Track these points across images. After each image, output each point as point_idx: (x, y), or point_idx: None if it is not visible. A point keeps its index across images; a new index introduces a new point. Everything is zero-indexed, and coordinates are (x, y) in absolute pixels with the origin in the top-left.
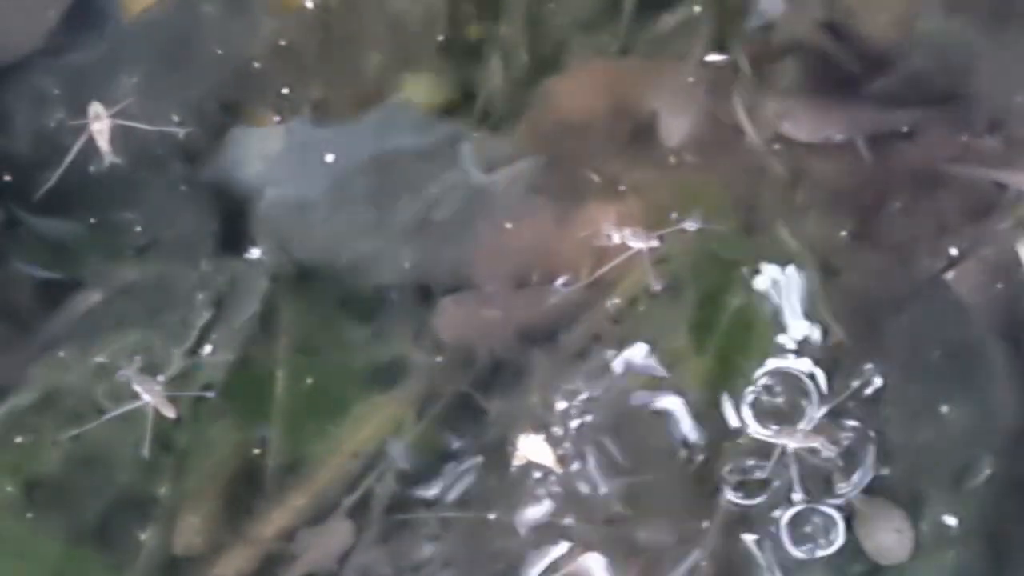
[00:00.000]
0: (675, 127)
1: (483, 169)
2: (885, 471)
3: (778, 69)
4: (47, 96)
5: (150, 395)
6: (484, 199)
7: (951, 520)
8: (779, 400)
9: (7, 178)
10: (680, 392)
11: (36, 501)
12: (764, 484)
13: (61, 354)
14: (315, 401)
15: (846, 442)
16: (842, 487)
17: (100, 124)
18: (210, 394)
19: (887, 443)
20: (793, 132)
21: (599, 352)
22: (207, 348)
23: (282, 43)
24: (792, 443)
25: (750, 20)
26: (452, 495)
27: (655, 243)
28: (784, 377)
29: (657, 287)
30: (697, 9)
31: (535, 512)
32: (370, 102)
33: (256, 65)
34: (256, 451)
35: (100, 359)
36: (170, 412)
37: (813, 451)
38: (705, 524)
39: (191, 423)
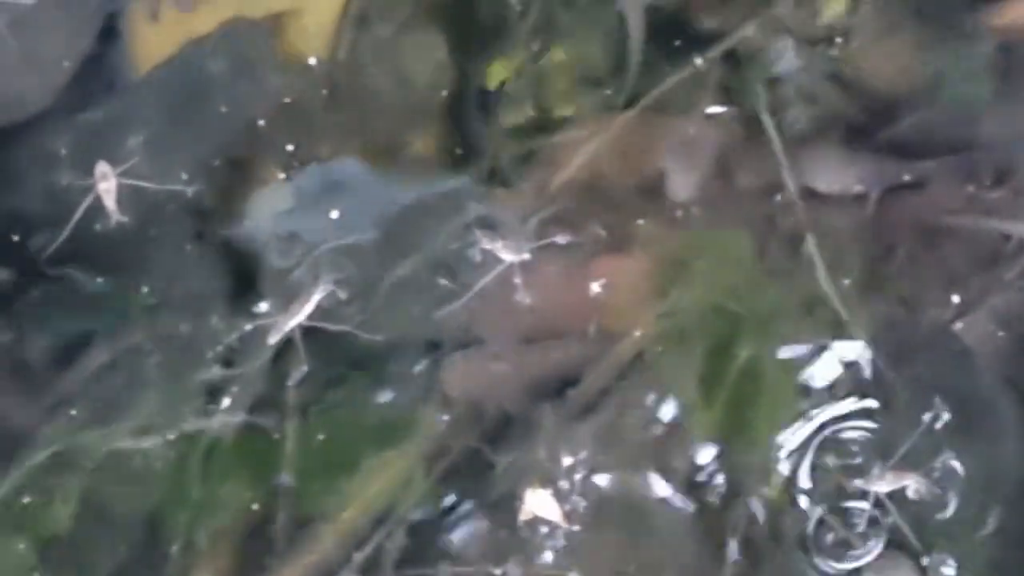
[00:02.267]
0: (682, 181)
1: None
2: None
3: (787, 121)
4: (57, 155)
5: None
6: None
7: (960, 570)
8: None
9: (16, 237)
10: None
11: (48, 559)
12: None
13: (73, 412)
14: (325, 457)
15: (936, 473)
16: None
17: (107, 184)
18: None
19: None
20: (815, 183)
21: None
22: (225, 401)
23: (287, 100)
24: (885, 486)
25: (758, 72)
26: (461, 549)
27: (526, 256)
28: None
29: (527, 300)
30: (700, 63)
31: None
32: (377, 157)
33: (261, 123)
34: (264, 508)
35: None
36: None
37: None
38: None
39: (202, 480)
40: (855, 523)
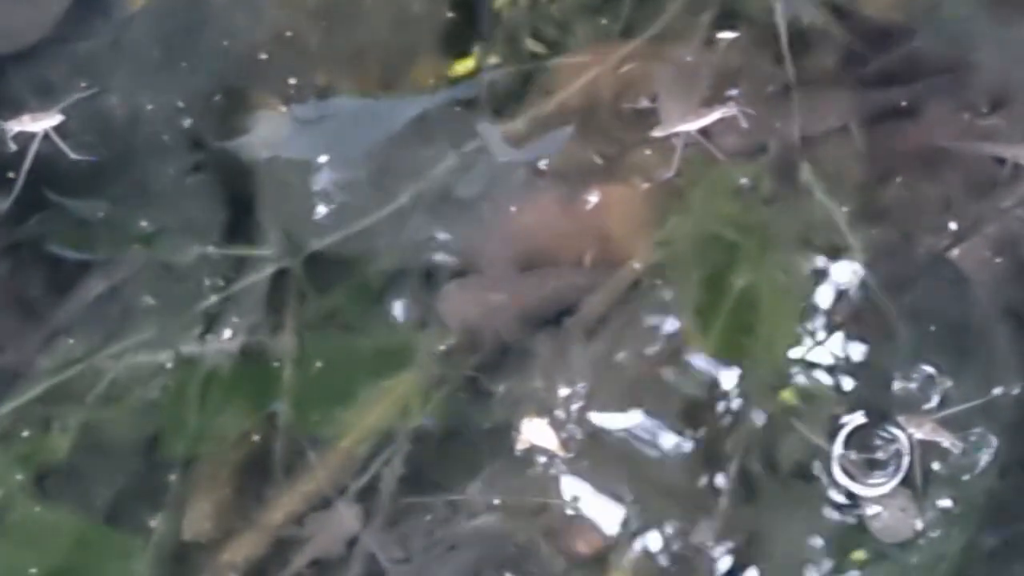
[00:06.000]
0: (677, 109)
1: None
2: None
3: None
4: (54, 85)
5: None
6: (499, 180)
7: (955, 498)
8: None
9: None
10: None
11: (46, 489)
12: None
13: (71, 341)
14: (323, 386)
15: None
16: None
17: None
18: None
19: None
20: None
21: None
22: (225, 333)
23: (288, 35)
24: (920, 433)
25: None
26: (460, 478)
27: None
28: None
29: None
30: None
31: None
32: (375, 87)
33: (263, 56)
34: (262, 438)
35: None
36: None
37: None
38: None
39: (200, 409)
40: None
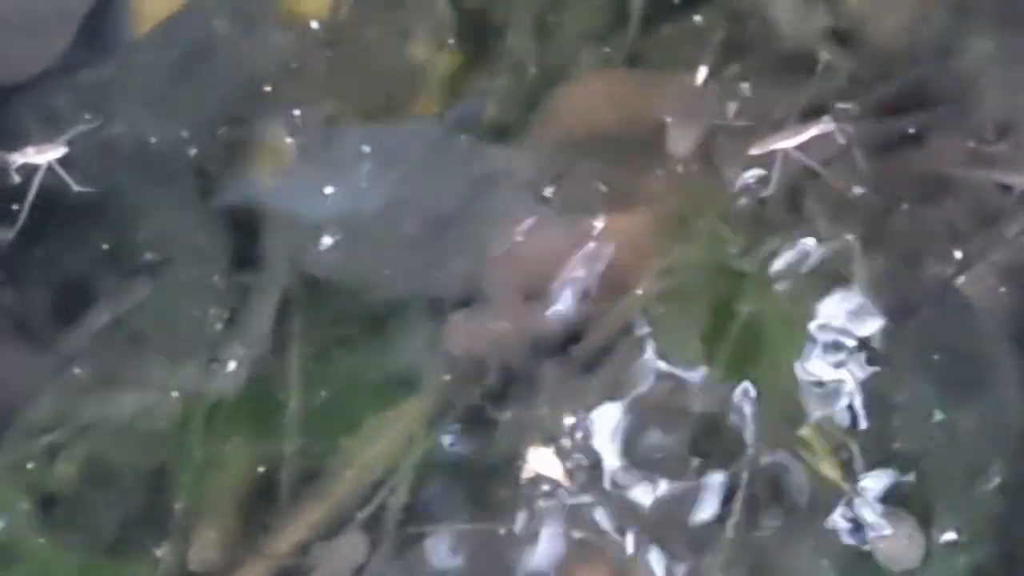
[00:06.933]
0: (683, 137)
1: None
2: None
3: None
4: (59, 114)
5: None
6: (505, 209)
7: (961, 526)
8: None
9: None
10: None
11: (52, 518)
12: None
13: (76, 371)
14: (328, 415)
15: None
16: None
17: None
18: None
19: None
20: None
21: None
22: (230, 365)
23: (294, 66)
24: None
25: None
26: (465, 507)
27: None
28: None
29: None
30: (698, 19)
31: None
32: (380, 116)
33: (268, 87)
34: (267, 467)
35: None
36: None
37: None
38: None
39: (205, 439)
40: None
